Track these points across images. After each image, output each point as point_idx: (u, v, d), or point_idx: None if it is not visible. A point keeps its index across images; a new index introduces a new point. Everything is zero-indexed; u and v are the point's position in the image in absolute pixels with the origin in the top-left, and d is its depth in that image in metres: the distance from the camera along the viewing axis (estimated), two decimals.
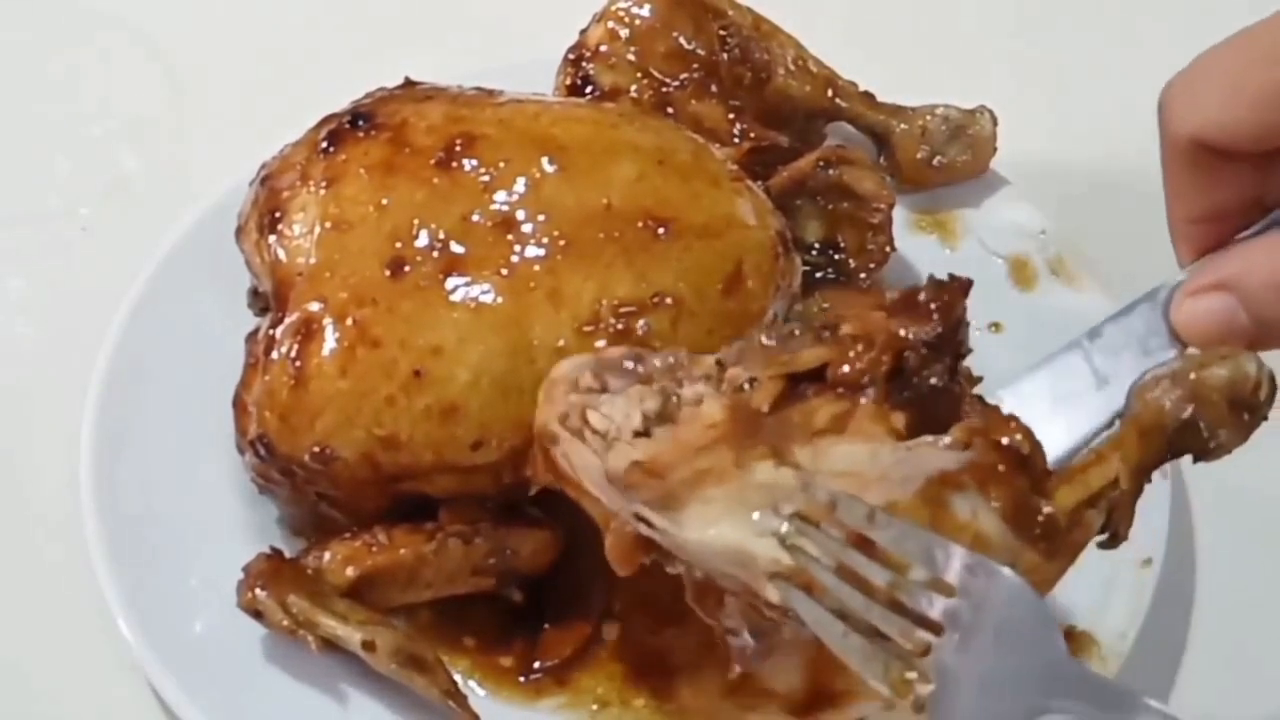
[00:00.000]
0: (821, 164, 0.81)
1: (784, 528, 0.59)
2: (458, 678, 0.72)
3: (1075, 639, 0.72)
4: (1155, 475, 0.75)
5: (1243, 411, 0.63)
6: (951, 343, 0.65)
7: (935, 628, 0.57)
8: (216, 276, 0.81)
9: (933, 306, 0.64)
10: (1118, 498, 0.63)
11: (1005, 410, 0.63)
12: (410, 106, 0.76)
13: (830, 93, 0.88)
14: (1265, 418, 0.63)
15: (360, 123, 0.75)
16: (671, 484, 0.61)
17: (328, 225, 0.73)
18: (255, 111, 0.99)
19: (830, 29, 0.90)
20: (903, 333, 0.63)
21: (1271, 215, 0.62)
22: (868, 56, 0.90)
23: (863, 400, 0.62)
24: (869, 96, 0.89)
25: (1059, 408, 0.66)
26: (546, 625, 0.75)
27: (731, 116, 0.84)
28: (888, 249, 0.82)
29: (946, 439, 0.61)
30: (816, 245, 0.82)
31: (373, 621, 0.70)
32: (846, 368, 0.63)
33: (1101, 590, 0.73)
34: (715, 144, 0.79)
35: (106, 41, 1.05)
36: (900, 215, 0.83)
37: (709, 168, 0.76)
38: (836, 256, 0.81)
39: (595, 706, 0.74)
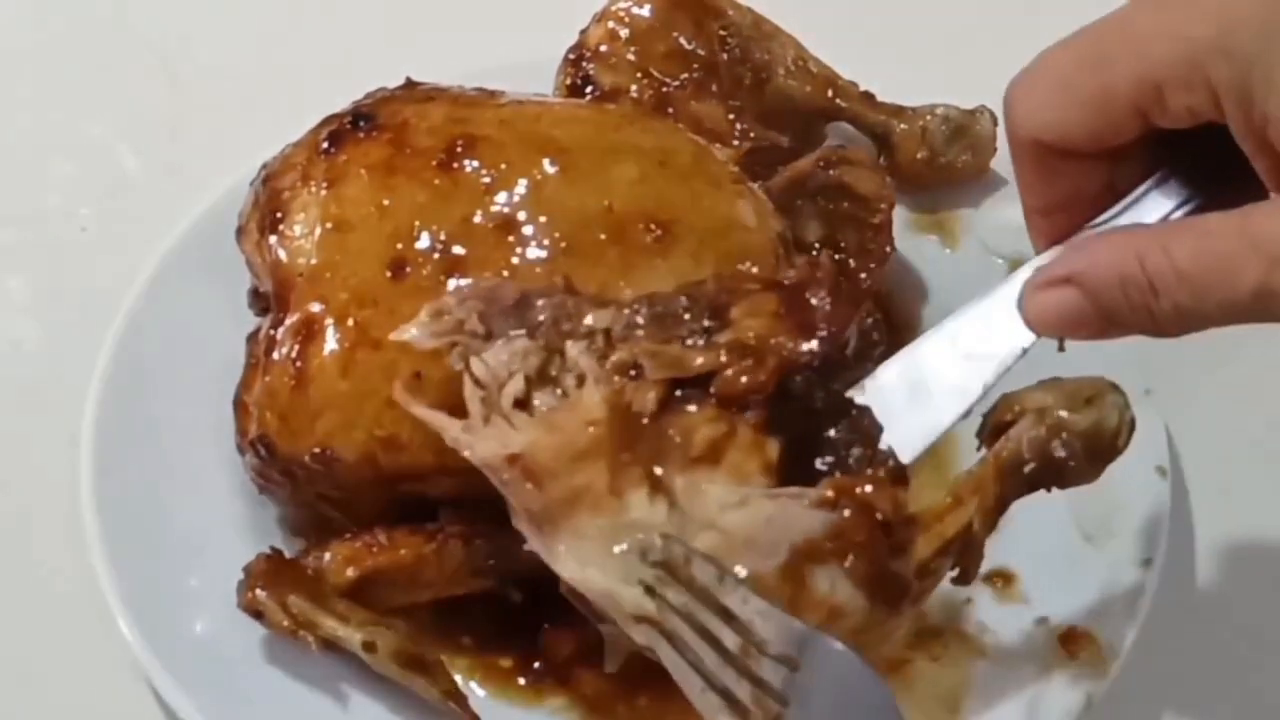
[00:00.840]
0: (822, 164, 0.81)
1: (649, 575, 0.61)
2: (458, 678, 0.72)
3: (1075, 639, 0.72)
4: (1155, 475, 0.76)
5: (1099, 456, 0.65)
6: (837, 363, 0.67)
7: (780, 697, 0.59)
8: (217, 277, 0.81)
9: (822, 328, 0.66)
10: (971, 540, 0.64)
11: (865, 405, 0.65)
12: (411, 107, 0.76)
13: (830, 93, 0.88)
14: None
15: (361, 123, 0.75)
16: (547, 500, 0.63)
17: (329, 226, 0.73)
18: (255, 111, 0.99)
19: (830, 29, 0.90)
20: (792, 351, 0.65)
21: (1120, 204, 0.63)
22: (868, 56, 0.90)
23: (741, 424, 0.64)
24: (869, 97, 0.88)
25: (917, 399, 0.66)
26: (546, 626, 0.75)
27: (732, 117, 0.84)
28: (888, 249, 0.82)
29: (815, 494, 0.62)
30: (817, 245, 0.81)
31: (373, 622, 0.70)
32: (730, 385, 0.64)
33: (1101, 590, 0.73)
34: (716, 144, 0.79)
35: (106, 41, 1.05)
36: (900, 215, 0.83)
37: (710, 169, 0.75)
38: (836, 257, 0.81)
39: (595, 708, 0.74)
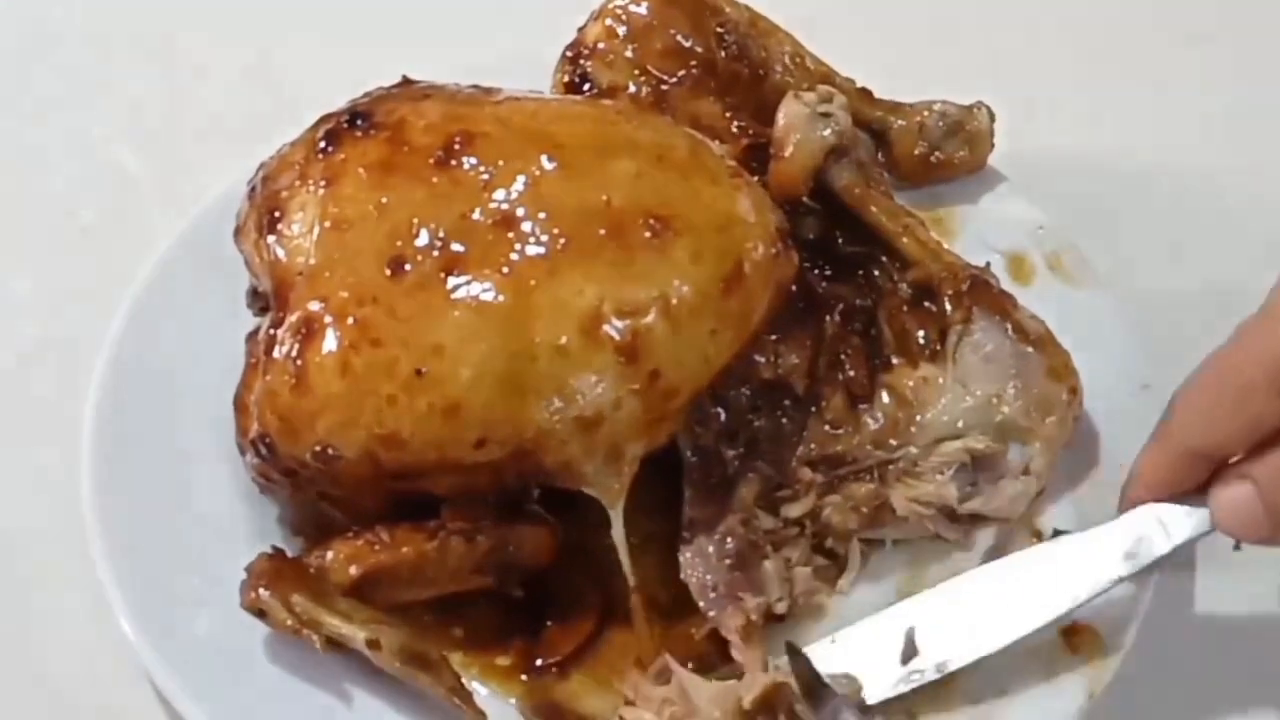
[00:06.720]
0: None
1: None
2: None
3: (1077, 633, 0.72)
4: None
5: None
6: None
7: None
8: (216, 276, 0.81)
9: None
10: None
11: None
12: (408, 105, 0.76)
13: None
14: None
15: (358, 122, 0.75)
16: None
17: (327, 225, 0.73)
18: (255, 111, 0.99)
19: (827, 26, 0.90)
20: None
21: None
22: (865, 53, 0.90)
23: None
24: (866, 93, 0.89)
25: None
26: (549, 623, 0.75)
27: (729, 114, 0.84)
28: None
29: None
30: (813, 241, 0.82)
31: (376, 620, 0.70)
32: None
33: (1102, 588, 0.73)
34: (714, 141, 0.79)
35: (106, 41, 1.05)
36: None
37: (707, 164, 0.75)
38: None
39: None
